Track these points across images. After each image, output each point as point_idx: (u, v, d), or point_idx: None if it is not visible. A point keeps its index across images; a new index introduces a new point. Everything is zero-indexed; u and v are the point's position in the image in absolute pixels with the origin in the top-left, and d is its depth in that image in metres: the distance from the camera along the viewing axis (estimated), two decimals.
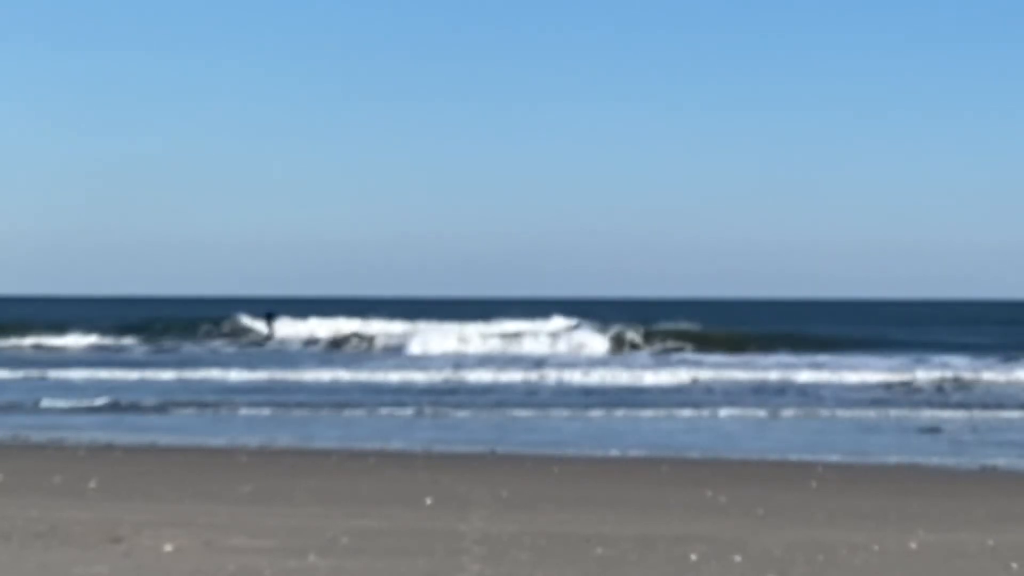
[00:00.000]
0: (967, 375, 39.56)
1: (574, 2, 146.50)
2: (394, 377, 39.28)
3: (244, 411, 28.83)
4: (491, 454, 20.70)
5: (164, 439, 22.66)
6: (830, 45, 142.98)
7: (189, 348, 56.53)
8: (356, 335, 60.02)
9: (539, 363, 44.97)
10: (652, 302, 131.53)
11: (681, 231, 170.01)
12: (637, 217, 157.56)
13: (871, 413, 29.33)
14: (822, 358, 46.67)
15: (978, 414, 29.29)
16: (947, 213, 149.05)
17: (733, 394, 34.48)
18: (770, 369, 41.63)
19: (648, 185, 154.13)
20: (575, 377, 39.73)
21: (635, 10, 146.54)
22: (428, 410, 29.41)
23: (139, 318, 68.53)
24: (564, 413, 29.28)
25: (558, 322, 60.50)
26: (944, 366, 42.42)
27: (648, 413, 29.15)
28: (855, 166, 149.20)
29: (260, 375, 39.75)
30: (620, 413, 29.16)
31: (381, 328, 60.94)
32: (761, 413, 29.12)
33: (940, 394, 35.37)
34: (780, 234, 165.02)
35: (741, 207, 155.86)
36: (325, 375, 40.00)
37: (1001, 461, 20.35)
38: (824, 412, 29.47)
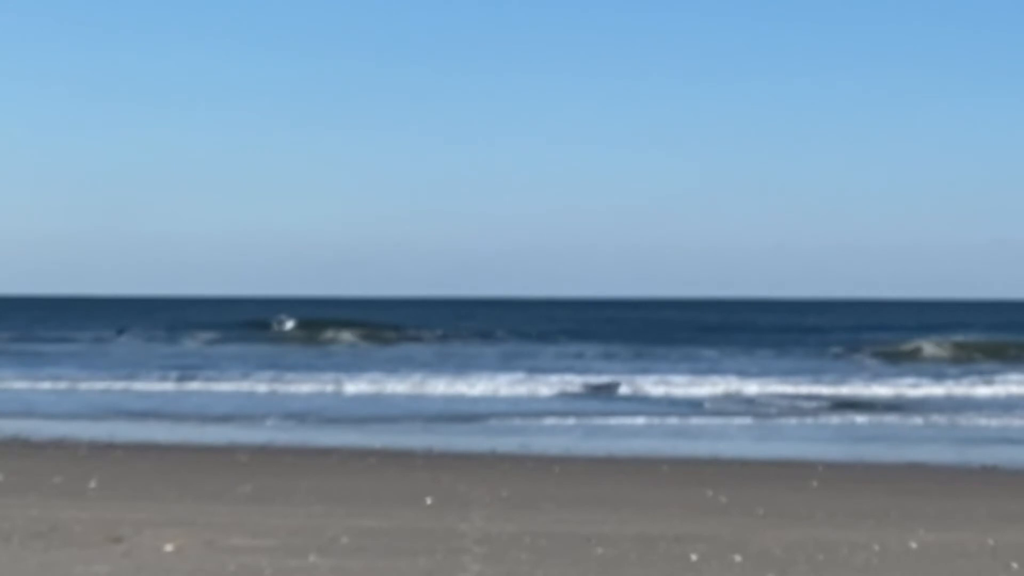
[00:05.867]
0: None
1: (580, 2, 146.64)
2: None
3: None
4: (491, 454, 20.69)
5: (164, 438, 22.67)
6: (827, 44, 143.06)
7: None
8: None
9: None
10: (653, 302, 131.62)
11: (682, 232, 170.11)
12: (637, 217, 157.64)
13: None
14: None
15: None
16: None
17: None
18: None
19: (646, 185, 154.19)
20: None
21: (636, 7, 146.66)
22: None
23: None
24: None
25: None
26: None
27: None
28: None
29: None
30: None
31: None
32: None
33: None
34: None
35: (730, 207, 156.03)
36: None
37: (1001, 461, 20.36)
38: None
